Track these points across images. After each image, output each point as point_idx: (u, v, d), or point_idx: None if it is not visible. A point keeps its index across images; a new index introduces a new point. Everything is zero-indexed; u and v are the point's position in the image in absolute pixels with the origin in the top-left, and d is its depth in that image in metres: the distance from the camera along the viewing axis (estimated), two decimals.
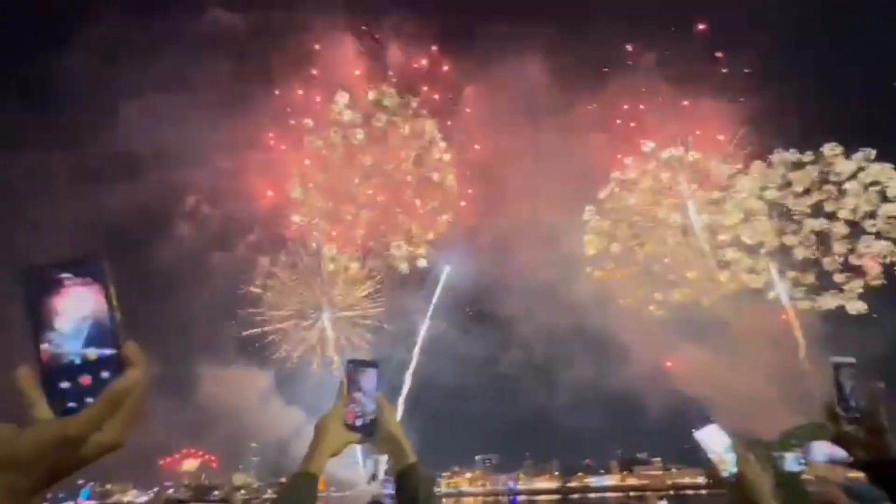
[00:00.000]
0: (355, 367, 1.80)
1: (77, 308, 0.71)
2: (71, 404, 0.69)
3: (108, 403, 0.68)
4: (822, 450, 2.69)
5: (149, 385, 0.73)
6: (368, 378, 1.78)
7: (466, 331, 40.47)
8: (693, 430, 2.13)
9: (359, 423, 1.73)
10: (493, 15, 39.76)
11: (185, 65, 37.45)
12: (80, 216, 35.25)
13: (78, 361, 0.71)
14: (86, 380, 0.70)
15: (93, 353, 0.71)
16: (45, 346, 0.70)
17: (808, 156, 33.84)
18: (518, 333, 39.17)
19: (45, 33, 39.95)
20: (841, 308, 33.21)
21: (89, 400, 0.69)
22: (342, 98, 37.96)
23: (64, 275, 0.71)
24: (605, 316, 35.75)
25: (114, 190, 36.44)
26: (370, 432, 1.75)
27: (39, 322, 0.70)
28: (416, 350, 40.64)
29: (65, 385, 0.70)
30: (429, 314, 40.98)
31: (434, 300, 41.11)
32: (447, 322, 41.00)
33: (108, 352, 0.72)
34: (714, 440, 2.11)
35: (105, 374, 0.71)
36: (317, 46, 39.16)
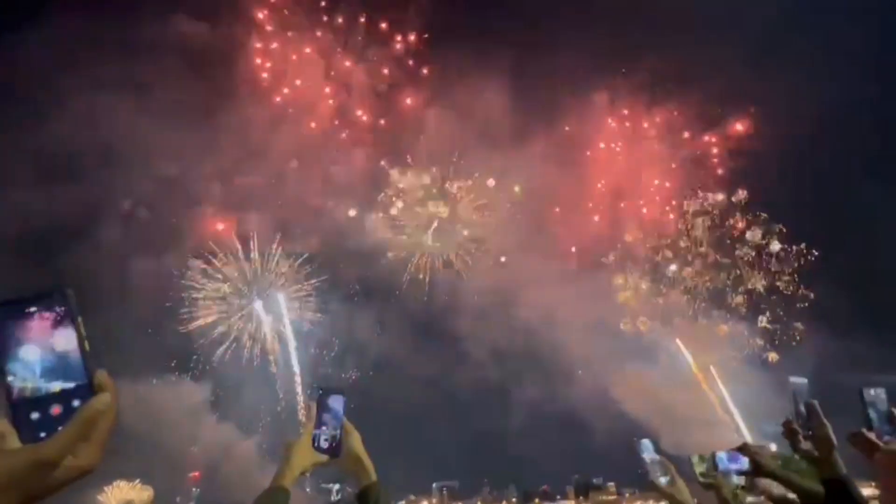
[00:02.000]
0: (324, 393, 1.98)
1: (45, 341, 0.73)
2: (42, 434, 0.70)
3: (79, 427, 0.70)
4: (724, 458, 2.92)
5: (117, 410, 0.74)
6: (335, 404, 1.96)
7: (418, 351, 39.99)
8: (636, 440, 2.58)
9: (325, 445, 1.90)
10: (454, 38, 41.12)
11: (142, 69, 36.31)
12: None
13: (46, 392, 0.72)
14: (56, 410, 0.72)
15: (61, 383, 0.72)
16: (12, 380, 0.71)
17: None
18: (470, 355, 39.11)
19: None
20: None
21: (61, 428, 0.70)
22: None
23: (31, 309, 0.73)
24: (554, 338, 36.40)
25: (42, 191, 33.80)
26: (336, 454, 1.91)
27: (7, 356, 0.71)
28: (369, 371, 39.89)
29: (35, 416, 0.71)
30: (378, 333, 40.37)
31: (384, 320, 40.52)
32: (400, 342, 40.44)
33: (76, 382, 0.73)
34: (650, 453, 2.59)
35: (76, 403, 0.72)
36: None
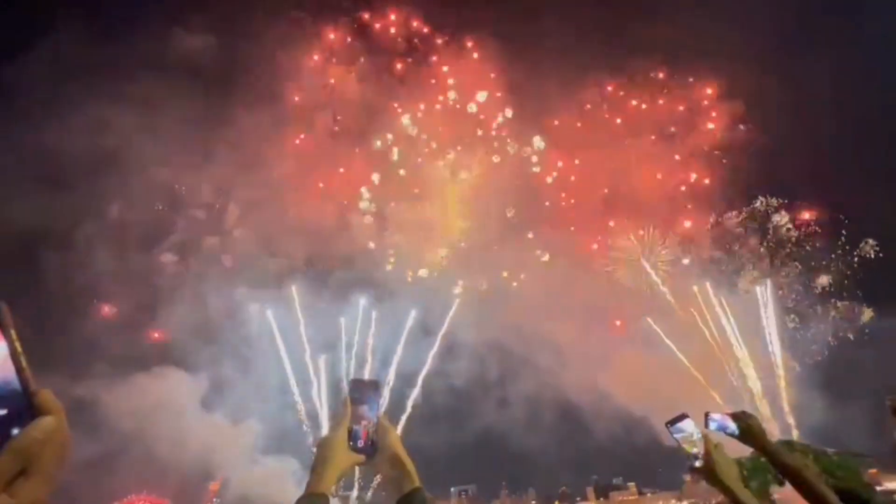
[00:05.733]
0: (357, 384, 1.78)
1: None
2: None
3: (11, 459, 0.57)
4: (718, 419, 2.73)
5: (68, 435, 0.62)
6: (370, 396, 1.76)
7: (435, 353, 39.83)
8: (667, 425, 2.21)
9: (361, 443, 1.70)
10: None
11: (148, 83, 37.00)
12: None
13: None
14: None
15: None
16: None
17: None
18: (483, 359, 38.91)
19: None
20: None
21: None
22: None
23: None
24: (570, 341, 36.12)
25: (31, 195, 33.87)
26: (372, 453, 1.70)
27: None
28: (391, 373, 39.85)
29: None
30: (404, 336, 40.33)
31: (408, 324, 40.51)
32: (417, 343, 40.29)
33: (14, 406, 0.60)
34: (685, 430, 2.23)
35: (16, 431, 0.60)
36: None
